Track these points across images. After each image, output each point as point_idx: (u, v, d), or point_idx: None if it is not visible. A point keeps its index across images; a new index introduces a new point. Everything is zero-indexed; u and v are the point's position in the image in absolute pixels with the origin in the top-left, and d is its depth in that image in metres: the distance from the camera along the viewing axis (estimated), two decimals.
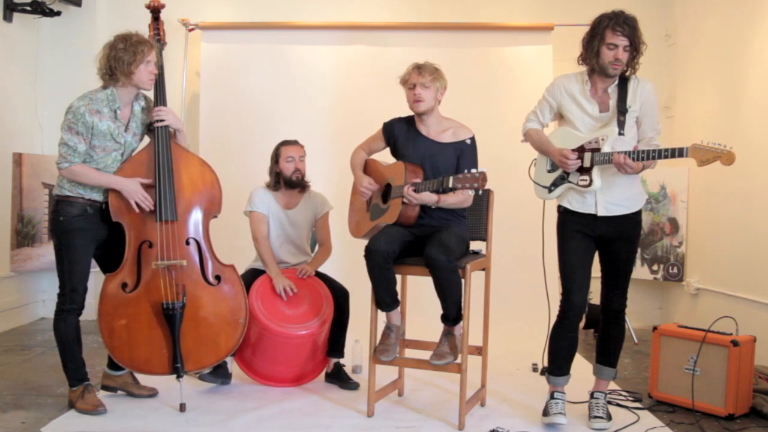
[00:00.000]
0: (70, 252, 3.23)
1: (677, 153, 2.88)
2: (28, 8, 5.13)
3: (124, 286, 3.31)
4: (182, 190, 3.37)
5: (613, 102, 3.10)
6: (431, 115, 3.39)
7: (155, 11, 3.57)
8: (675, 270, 5.21)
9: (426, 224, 3.33)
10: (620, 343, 3.32)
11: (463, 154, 3.35)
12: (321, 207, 3.97)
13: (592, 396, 3.31)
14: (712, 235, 4.85)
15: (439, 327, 3.29)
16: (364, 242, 3.28)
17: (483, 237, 3.55)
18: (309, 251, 4.01)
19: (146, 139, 3.46)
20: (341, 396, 3.62)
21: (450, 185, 3.06)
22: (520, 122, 3.37)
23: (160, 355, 3.32)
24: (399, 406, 3.49)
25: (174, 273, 3.32)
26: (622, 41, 2.99)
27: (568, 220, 3.18)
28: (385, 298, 3.24)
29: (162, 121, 3.33)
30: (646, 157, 2.93)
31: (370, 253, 3.15)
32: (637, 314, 5.25)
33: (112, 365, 3.50)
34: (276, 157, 3.90)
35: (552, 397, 3.23)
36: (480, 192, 3.01)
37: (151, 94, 3.44)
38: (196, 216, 3.41)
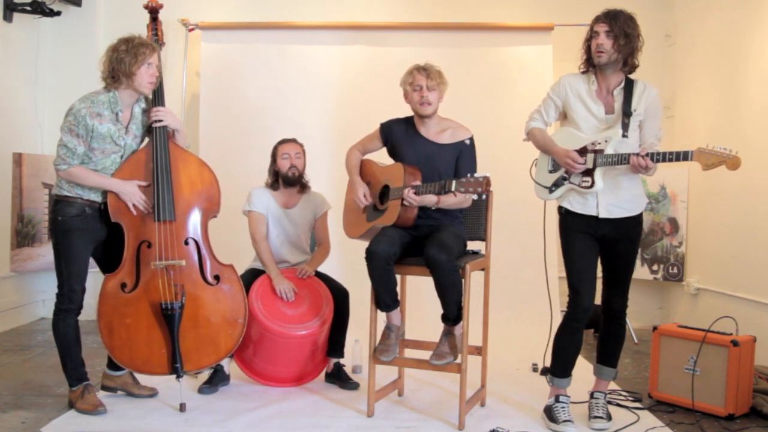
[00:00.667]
0: (68, 252, 3.23)
1: (682, 156, 2.88)
2: (28, 8, 5.12)
3: (123, 286, 3.31)
4: (181, 190, 3.37)
5: (618, 104, 3.10)
6: (431, 117, 3.39)
7: (153, 12, 3.57)
8: (675, 270, 5.21)
9: (423, 224, 3.32)
10: (621, 343, 3.32)
11: (462, 154, 3.34)
12: (320, 206, 3.97)
13: (592, 396, 3.30)
14: (712, 235, 4.85)
15: (439, 327, 3.28)
16: (364, 243, 3.27)
17: (483, 237, 3.55)
18: (308, 251, 4.01)
19: (146, 140, 3.47)
20: (341, 396, 3.62)
21: (453, 189, 3.03)
22: (519, 122, 3.37)
23: (159, 355, 3.32)
24: (399, 406, 3.48)
25: (173, 273, 3.32)
26: (602, 27, 3.03)
27: (570, 221, 3.18)
28: (386, 299, 3.24)
29: (160, 121, 3.33)
30: (651, 159, 2.93)
31: (371, 256, 3.15)
32: (637, 314, 5.25)
33: (112, 365, 3.49)
34: (274, 155, 3.91)
35: (557, 400, 3.21)
36: (483, 197, 2.98)
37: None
38: (195, 216, 3.41)
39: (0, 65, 5.11)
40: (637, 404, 3.51)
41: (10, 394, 3.58)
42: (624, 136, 3.04)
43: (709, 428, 3.22)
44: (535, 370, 4.12)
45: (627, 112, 3.07)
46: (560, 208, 3.23)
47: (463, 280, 3.18)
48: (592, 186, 3.07)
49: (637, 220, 3.18)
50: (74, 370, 3.32)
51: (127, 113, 3.31)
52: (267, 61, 5.38)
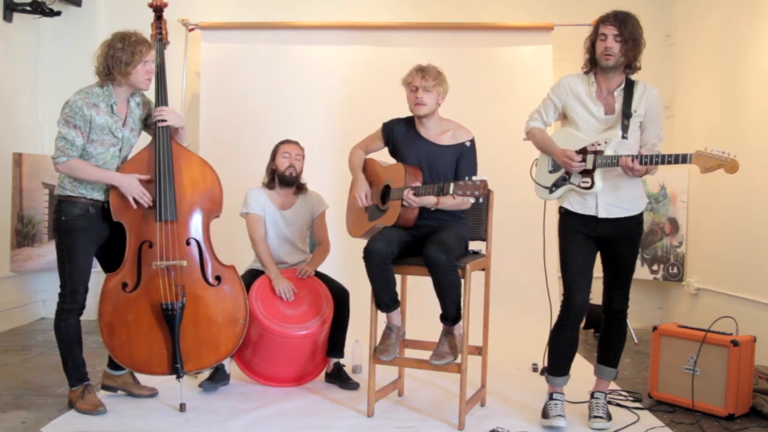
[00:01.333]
0: (72, 252, 3.23)
1: (681, 159, 2.89)
2: (28, 8, 5.12)
3: (124, 285, 3.31)
4: (183, 190, 3.37)
5: (618, 105, 3.10)
6: (431, 118, 3.38)
7: (158, 10, 3.57)
8: (675, 270, 5.21)
9: (424, 225, 3.33)
10: (621, 344, 3.32)
11: (463, 156, 3.34)
12: (317, 206, 3.97)
13: (592, 396, 3.31)
14: (712, 235, 4.85)
15: (439, 327, 3.29)
16: (364, 242, 3.28)
17: (483, 237, 3.55)
18: (307, 251, 4.01)
19: (146, 139, 3.46)
20: (341, 396, 3.62)
21: (450, 192, 3.03)
22: (520, 122, 3.37)
23: (159, 355, 3.32)
24: (399, 406, 3.49)
25: (173, 273, 3.31)
26: (611, 30, 3.03)
27: (569, 221, 3.18)
28: (385, 299, 3.24)
29: (164, 121, 3.34)
30: (649, 162, 2.93)
31: (369, 255, 3.15)
32: (637, 314, 5.25)
33: (113, 365, 3.49)
34: (274, 154, 3.91)
35: (551, 398, 3.23)
36: (480, 200, 2.99)
37: (152, 94, 3.44)
38: (197, 216, 3.41)
39: (0, 65, 5.11)
40: (637, 404, 3.52)
41: (10, 394, 3.58)
42: (624, 137, 3.05)
43: (709, 428, 3.23)
44: (535, 370, 4.13)
45: (627, 114, 3.07)
46: (560, 209, 3.23)
47: (463, 280, 3.18)
48: (591, 187, 3.08)
49: (636, 220, 3.18)
50: (75, 370, 3.32)
51: (123, 107, 3.30)
52: (267, 61, 5.38)
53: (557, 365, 3.25)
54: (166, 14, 3.59)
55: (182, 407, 3.33)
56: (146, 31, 3.37)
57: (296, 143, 3.92)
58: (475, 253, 3.44)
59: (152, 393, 3.54)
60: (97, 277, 3.45)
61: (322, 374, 3.86)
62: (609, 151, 3.04)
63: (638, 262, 5.30)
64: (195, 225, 3.40)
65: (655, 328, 3.62)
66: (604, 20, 3.07)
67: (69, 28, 5.46)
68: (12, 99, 5.24)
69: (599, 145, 3.06)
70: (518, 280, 5.00)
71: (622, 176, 3.09)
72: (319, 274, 3.87)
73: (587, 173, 3.08)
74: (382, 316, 3.33)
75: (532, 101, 3.39)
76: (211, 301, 3.38)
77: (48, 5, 5.18)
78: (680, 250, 5.18)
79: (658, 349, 3.57)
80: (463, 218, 3.48)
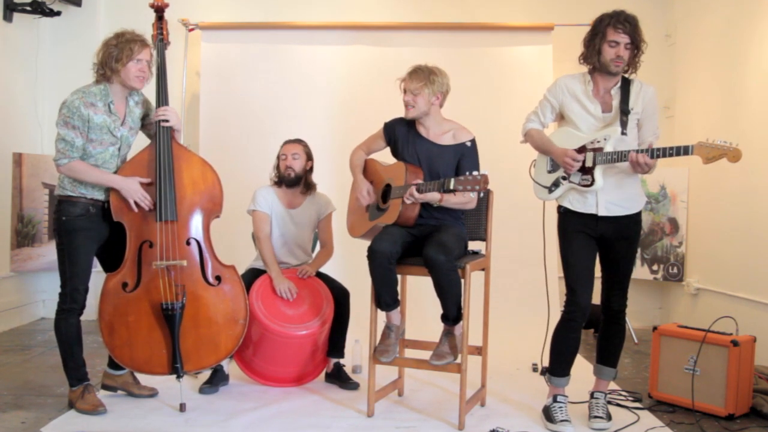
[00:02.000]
0: (72, 252, 3.23)
1: (683, 151, 2.88)
2: (28, 8, 5.12)
3: (124, 285, 3.31)
4: (183, 190, 3.37)
5: (615, 102, 3.10)
6: (430, 118, 3.38)
7: (159, 10, 3.57)
8: (675, 270, 5.21)
9: (425, 224, 3.33)
10: (621, 344, 3.32)
11: (464, 156, 3.33)
12: (324, 208, 3.97)
13: (592, 396, 3.31)
14: (712, 235, 4.85)
15: (439, 327, 3.29)
16: (365, 242, 3.28)
17: (483, 237, 3.55)
18: (310, 252, 4.01)
19: (146, 139, 3.46)
20: (341, 396, 3.62)
21: (451, 187, 3.05)
22: (519, 122, 3.36)
23: (160, 355, 3.32)
24: (399, 406, 3.49)
25: (173, 273, 3.31)
26: (624, 38, 3.01)
27: (569, 220, 3.18)
28: (386, 298, 3.24)
29: (166, 121, 3.34)
30: (651, 155, 2.93)
31: (373, 254, 3.15)
32: (637, 314, 5.25)
33: (113, 365, 3.50)
34: (278, 155, 3.93)
35: (555, 400, 3.21)
36: (482, 194, 3.01)
37: (152, 94, 3.44)
38: (197, 216, 3.41)
39: (0, 65, 5.11)
40: (637, 404, 3.52)
41: (10, 394, 3.58)
42: (623, 133, 3.05)
43: (709, 428, 3.23)
44: (535, 370, 4.13)
45: (625, 111, 3.07)
46: (560, 208, 3.23)
47: (463, 280, 3.18)
48: (592, 184, 3.08)
49: (635, 218, 3.19)
50: (75, 370, 3.32)
51: (121, 106, 3.31)
52: (267, 61, 5.38)
53: (560, 366, 3.23)
54: (166, 14, 3.59)
55: (182, 407, 3.33)
56: (147, 32, 3.38)
57: (295, 142, 3.92)
58: (475, 253, 3.44)
59: (152, 393, 3.54)
60: (97, 277, 3.46)
61: (322, 374, 3.86)
62: (608, 148, 3.04)
63: (638, 262, 5.32)
64: (195, 225, 3.40)
65: (655, 328, 3.61)
66: (615, 26, 3.00)
67: (69, 28, 5.46)
68: (12, 99, 5.24)
69: (598, 142, 3.06)
70: (518, 280, 5.00)
71: (622, 174, 3.09)
72: (319, 274, 3.87)
73: (587, 171, 3.09)
74: (381, 316, 3.33)
75: (532, 101, 3.38)
76: (211, 301, 3.38)
77: (48, 5, 5.18)
78: (680, 250, 5.18)
79: (658, 349, 3.57)
80: (463, 218, 3.48)
